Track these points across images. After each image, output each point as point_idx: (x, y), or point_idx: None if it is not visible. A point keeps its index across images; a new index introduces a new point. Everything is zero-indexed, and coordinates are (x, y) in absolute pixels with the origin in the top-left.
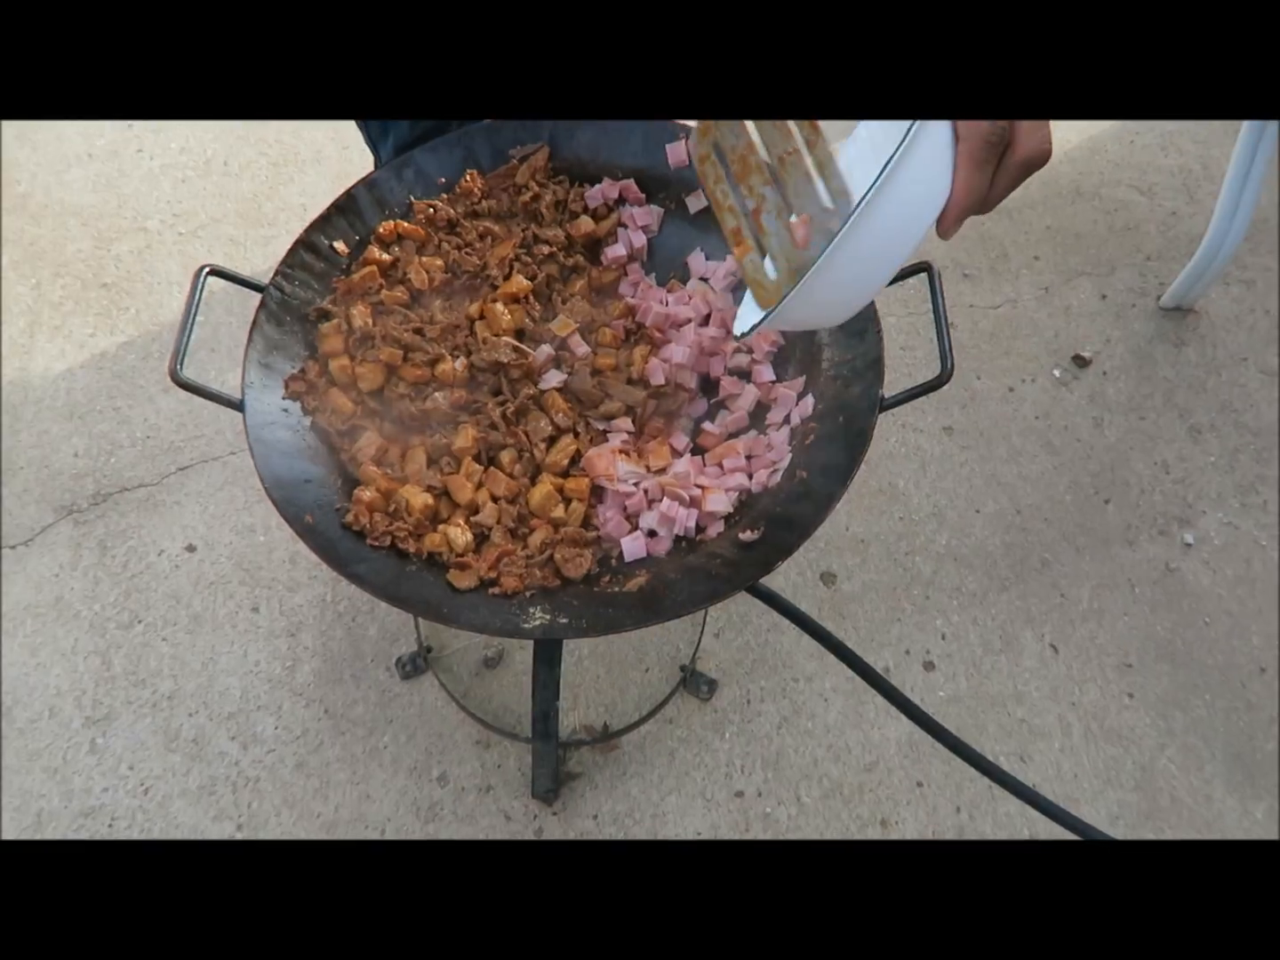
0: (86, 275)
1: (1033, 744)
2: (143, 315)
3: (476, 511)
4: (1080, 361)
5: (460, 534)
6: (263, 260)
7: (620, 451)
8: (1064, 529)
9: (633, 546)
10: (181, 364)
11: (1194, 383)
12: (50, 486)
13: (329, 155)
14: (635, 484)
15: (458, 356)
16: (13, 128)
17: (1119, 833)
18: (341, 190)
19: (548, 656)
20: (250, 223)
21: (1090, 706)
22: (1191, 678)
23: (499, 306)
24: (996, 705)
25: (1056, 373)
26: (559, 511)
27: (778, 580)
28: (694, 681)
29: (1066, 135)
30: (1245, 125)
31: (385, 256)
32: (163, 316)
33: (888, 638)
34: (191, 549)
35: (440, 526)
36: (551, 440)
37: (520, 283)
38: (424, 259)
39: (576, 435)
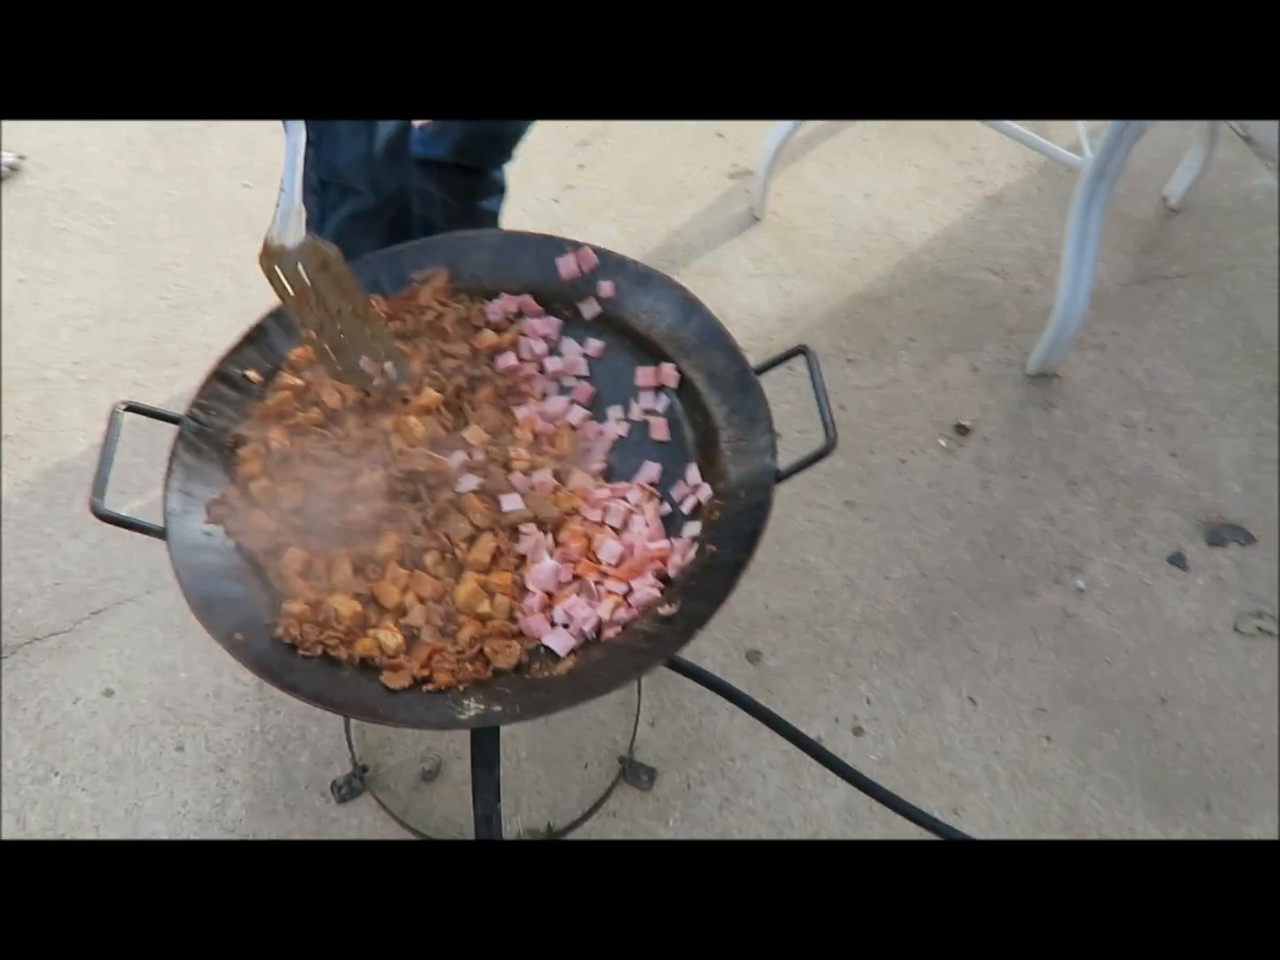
0: None
1: (964, 796)
2: (46, 463)
3: (405, 613)
4: (962, 430)
5: (390, 636)
6: (169, 400)
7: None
8: (968, 586)
9: (559, 642)
10: (103, 496)
11: (1066, 440)
12: None
13: (229, 294)
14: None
15: (376, 469)
16: None
17: None
18: (245, 325)
19: (486, 758)
20: (153, 365)
21: (1012, 754)
22: (1101, 715)
23: (412, 419)
24: (925, 762)
25: (942, 442)
26: (485, 606)
27: (706, 663)
28: (633, 772)
29: (924, 228)
30: (1074, 210)
31: (298, 381)
32: (68, 463)
33: (816, 708)
34: (109, 693)
35: (370, 631)
36: (472, 539)
37: (430, 395)
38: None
39: (496, 534)
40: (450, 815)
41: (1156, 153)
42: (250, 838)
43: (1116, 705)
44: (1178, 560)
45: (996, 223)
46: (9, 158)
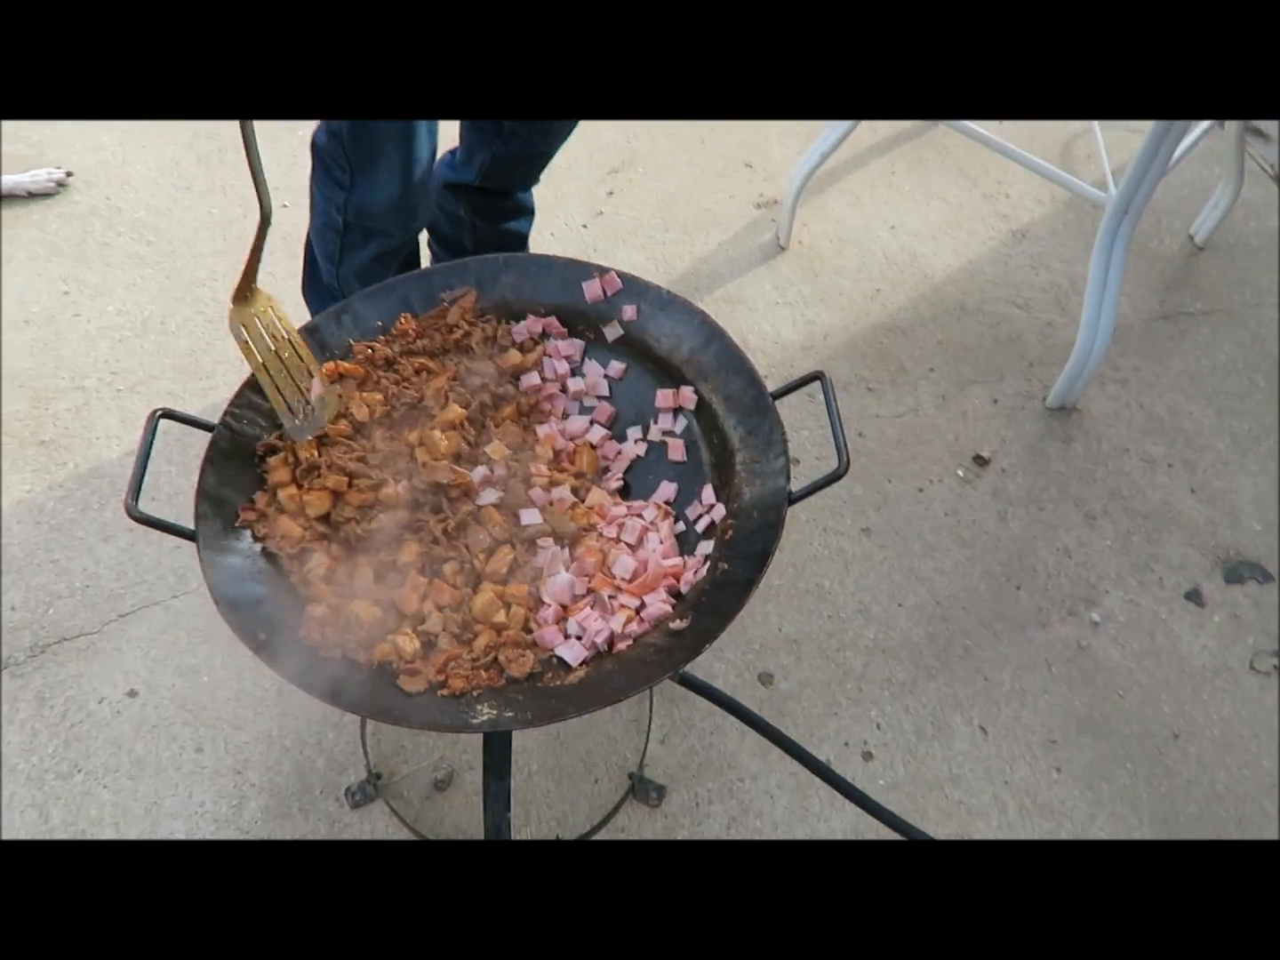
0: (24, 434)
1: (971, 824)
2: (81, 469)
3: (423, 621)
4: (980, 461)
5: (408, 642)
6: (202, 410)
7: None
8: (981, 616)
9: (572, 653)
10: (137, 499)
11: (1084, 474)
12: None
13: None
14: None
15: (400, 480)
16: None
17: None
18: None
19: (497, 764)
20: (188, 376)
21: (1021, 784)
22: (1112, 748)
23: (437, 433)
24: (934, 789)
25: (960, 472)
26: (501, 616)
27: (718, 684)
28: (643, 788)
29: (948, 261)
30: (1097, 245)
31: None
32: (102, 469)
33: (826, 731)
34: (133, 694)
35: (389, 636)
36: (490, 551)
37: (455, 411)
38: (364, 394)
39: (513, 546)
40: (461, 824)
41: (1184, 190)
42: (265, 839)
43: (1128, 739)
44: (1194, 596)
45: (1021, 257)
46: (57, 174)
